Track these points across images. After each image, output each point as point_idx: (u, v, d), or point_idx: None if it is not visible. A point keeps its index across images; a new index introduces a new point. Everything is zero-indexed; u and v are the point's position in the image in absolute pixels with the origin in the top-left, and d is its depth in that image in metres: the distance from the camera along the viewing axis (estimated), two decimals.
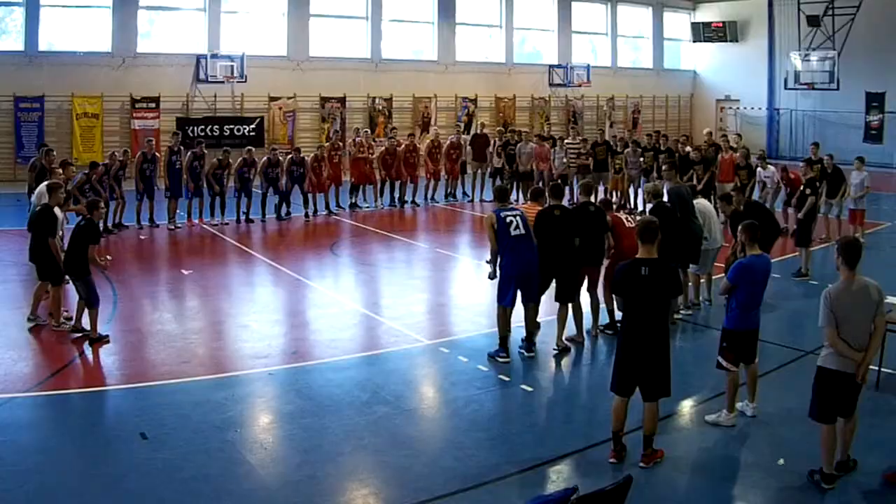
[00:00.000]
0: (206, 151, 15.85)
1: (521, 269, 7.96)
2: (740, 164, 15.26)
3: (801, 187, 12.67)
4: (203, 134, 21.15)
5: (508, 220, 7.94)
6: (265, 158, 16.18)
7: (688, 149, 16.59)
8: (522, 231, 7.94)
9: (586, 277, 8.80)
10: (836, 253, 5.56)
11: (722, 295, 6.66)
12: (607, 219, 8.93)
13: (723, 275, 7.37)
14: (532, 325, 8.25)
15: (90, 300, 8.45)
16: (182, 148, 15.86)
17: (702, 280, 10.16)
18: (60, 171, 11.32)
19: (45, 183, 9.15)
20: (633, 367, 5.83)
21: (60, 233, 9.15)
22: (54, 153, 12.71)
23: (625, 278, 5.87)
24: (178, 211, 15.53)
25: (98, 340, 8.39)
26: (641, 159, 17.04)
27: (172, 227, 15.07)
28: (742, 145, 16.55)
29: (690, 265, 9.75)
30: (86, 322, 8.57)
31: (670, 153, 16.33)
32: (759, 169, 15.27)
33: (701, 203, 10.11)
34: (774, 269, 12.18)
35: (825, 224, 14.29)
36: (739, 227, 6.83)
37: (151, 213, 15.23)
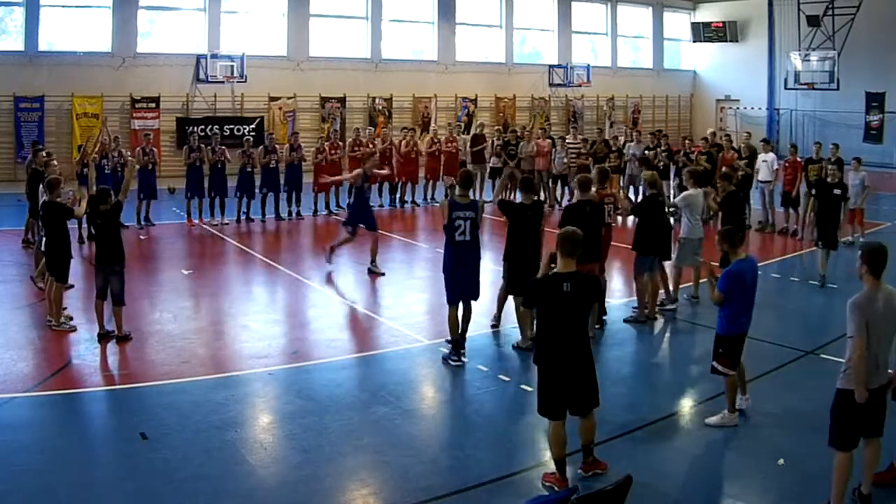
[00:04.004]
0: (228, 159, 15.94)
1: (462, 276, 7.99)
2: (743, 156, 15.48)
3: (807, 188, 12.69)
4: (203, 134, 21.16)
5: (457, 223, 7.86)
6: (261, 147, 16.33)
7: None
8: (468, 238, 7.90)
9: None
10: (860, 260, 5.08)
11: (716, 305, 6.53)
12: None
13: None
14: (465, 325, 8.13)
15: (121, 296, 8.47)
16: (277, 147, 16.39)
17: (702, 279, 10.19)
18: (55, 163, 11.11)
19: (48, 179, 9.10)
20: (561, 387, 5.46)
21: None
22: (42, 153, 12.49)
23: (544, 294, 5.46)
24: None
25: (125, 339, 8.43)
26: (645, 152, 17.09)
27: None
28: (745, 144, 16.60)
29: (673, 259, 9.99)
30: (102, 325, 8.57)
31: (670, 153, 16.36)
32: (759, 154, 15.36)
33: (695, 194, 10.19)
34: (775, 269, 12.33)
35: None
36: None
37: (148, 212, 15.24)
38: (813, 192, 12.36)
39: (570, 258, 5.45)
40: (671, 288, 10.00)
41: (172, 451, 6.02)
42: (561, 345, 5.44)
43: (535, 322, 8.58)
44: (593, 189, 9.17)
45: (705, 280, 9.52)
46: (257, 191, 16.05)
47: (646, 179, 10.04)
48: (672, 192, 15.77)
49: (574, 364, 5.44)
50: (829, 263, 11.21)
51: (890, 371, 5.15)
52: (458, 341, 7.98)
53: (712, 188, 11.42)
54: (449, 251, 8.05)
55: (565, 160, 17.77)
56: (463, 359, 7.96)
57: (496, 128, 20.94)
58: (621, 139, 18.94)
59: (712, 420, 6.57)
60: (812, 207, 14.37)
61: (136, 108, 21.12)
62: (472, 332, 8.97)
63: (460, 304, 8.07)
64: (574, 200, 9.18)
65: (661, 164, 16.05)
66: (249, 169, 15.76)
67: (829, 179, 11.78)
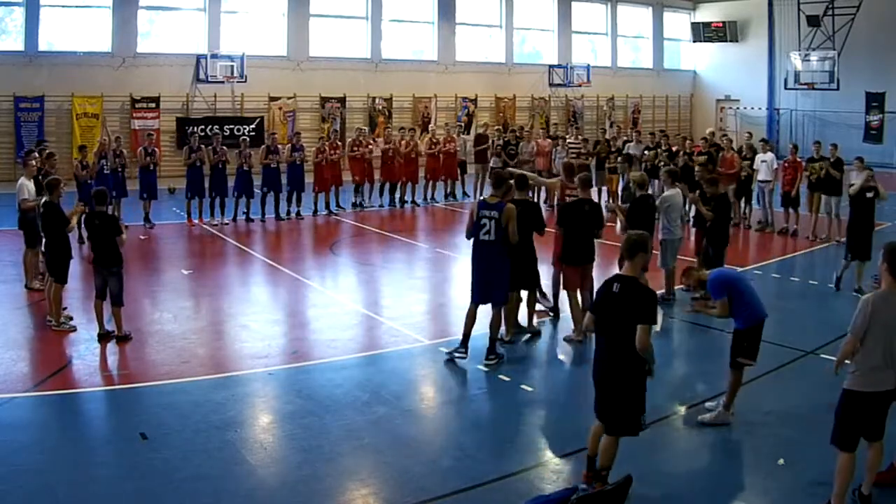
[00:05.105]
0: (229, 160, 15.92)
1: (482, 275, 7.97)
2: (745, 156, 15.53)
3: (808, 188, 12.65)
4: (203, 134, 21.14)
5: (482, 222, 7.86)
6: (263, 146, 16.35)
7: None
8: (492, 237, 7.84)
9: (577, 276, 8.85)
10: (882, 258, 5.03)
11: (725, 316, 6.49)
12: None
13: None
14: (493, 331, 8.08)
15: (120, 296, 8.47)
16: (279, 147, 16.50)
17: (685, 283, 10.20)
18: (33, 162, 10.96)
19: (47, 180, 9.14)
20: (596, 392, 5.43)
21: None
22: (34, 153, 12.33)
23: (599, 292, 5.45)
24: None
25: (125, 339, 8.43)
26: (645, 152, 17.14)
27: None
28: (745, 144, 16.64)
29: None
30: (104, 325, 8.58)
31: (670, 153, 16.38)
32: (758, 154, 15.37)
33: (674, 194, 10.17)
34: (775, 269, 12.34)
35: (828, 224, 14.30)
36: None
37: (148, 212, 15.23)
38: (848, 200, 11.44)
39: (630, 261, 5.36)
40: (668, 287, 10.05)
41: (172, 451, 6.01)
42: (600, 346, 5.40)
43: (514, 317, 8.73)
44: (575, 183, 9.22)
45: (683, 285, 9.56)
46: (257, 190, 16.06)
47: (635, 181, 9.98)
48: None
49: (603, 370, 5.34)
50: (829, 262, 11.15)
51: None
52: (467, 336, 8.01)
53: (696, 193, 10.93)
54: (473, 250, 8.07)
55: (565, 160, 17.75)
56: (466, 354, 7.97)
57: (496, 128, 20.95)
58: (620, 140, 18.96)
59: (707, 417, 6.56)
60: (815, 208, 14.45)
61: (136, 108, 21.10)
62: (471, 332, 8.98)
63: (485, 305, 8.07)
64: (577, 198, 9.14)
65: (662, 163, 16.05)
66: (246, 168, 15.75)
67: (852, 188, 10.95)
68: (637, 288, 5.25)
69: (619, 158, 15.90)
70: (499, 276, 7.97)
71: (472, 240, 8.06)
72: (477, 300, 8.04)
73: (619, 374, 5.26)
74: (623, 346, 5.19)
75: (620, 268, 9.46)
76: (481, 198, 8.44)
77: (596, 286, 8.99)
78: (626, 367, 5.23)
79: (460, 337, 8.02)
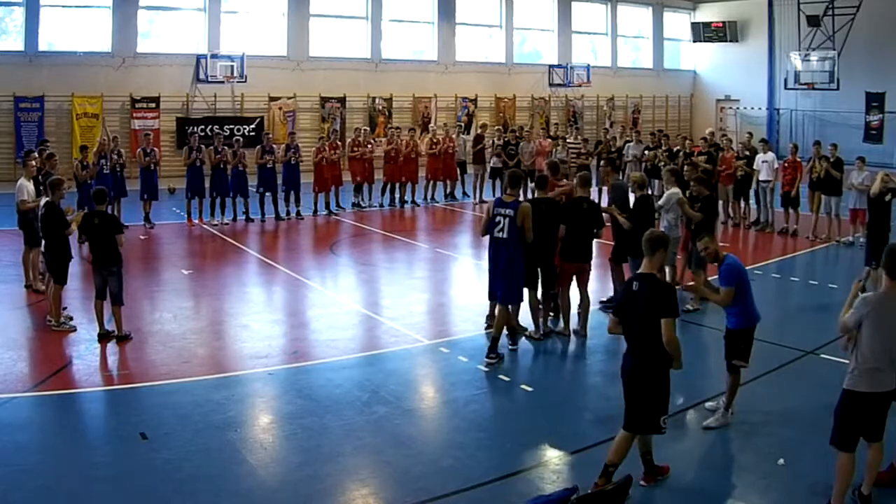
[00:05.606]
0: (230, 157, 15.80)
1: (494, 272, 8.05)
2: (741, 156, 15.54)
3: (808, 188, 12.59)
4: (203, 134, 21.14)
5: (497, 220, 7.94)
6: (258, 147, 16.30)
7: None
8: (505, 235, 7.90)
9: (575, 274, 8.88)
10: (884, 260, 5.08)
11: (725, 305, 6.50)
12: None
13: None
14: (497, 330, 8.07)
15: (119, 296, 8.47)
16: (274, 147, 16.53)
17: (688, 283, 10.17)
18: (33, 163, 10.97)
19: (50, 180, 9.15)
20: (624, 390, 5.47)
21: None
22: (34, 153, 12.35)
23: (622, 292, 5.58)
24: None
25: (125, 338, 8.44)
26: (645, 152, 17.14)
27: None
28: (743, 143, 16.65)
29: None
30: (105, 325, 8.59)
31: (671, 153, 16.38)
32: (759, 155, 15.36)
33: (675, 193, 10.14)
34: (775, 269, 12.34)
35: (828, 224, 14.30)
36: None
37: (149, 212, 15.23)
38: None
39: (649, 258, 5.45)
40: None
41: (172, 451, 6.02)
42: (627, 346, 5.45)
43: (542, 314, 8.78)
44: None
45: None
46: (253, 190, 16.03)
47: (634, 181, 9.94)
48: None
49: (626, 368, 5.41)
50: (829, 262, 11.12)
51: None
52: (511, 329, 8.12)
53: (684, 194, 10.63)
54: (489, 247, 8.17)
55: (550, 160, 17.74)
56: (515, 344, 8.12)
57: (496, 128, 20.96)
58: (621, 141, 18.98)
59: (710, 422, 6.55)
60: (816, 208, 14.44)
61: (136, 108, 21.11)
62: (471, 332, 9.01)
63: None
64: (574, 196, 9.13)
65: (662, 164, 16.06)
66: (241, 168, 15.69)
67: (872, 188, 10.69)
68: (656, 284, 5.37)
69: (602, 163, 15.72)
70: (510, 274, 8.00)
71: (486, 237, 8.17)
72: (490, 296, 8.16)
73: (645, 373, 5.31)
74: (649, 344, 5.25)
75: (612, 266, 9.59)
76: (497, 196, 8.46)
77: (594, 286, 9.15)
78: (651, 366, 5.30)
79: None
